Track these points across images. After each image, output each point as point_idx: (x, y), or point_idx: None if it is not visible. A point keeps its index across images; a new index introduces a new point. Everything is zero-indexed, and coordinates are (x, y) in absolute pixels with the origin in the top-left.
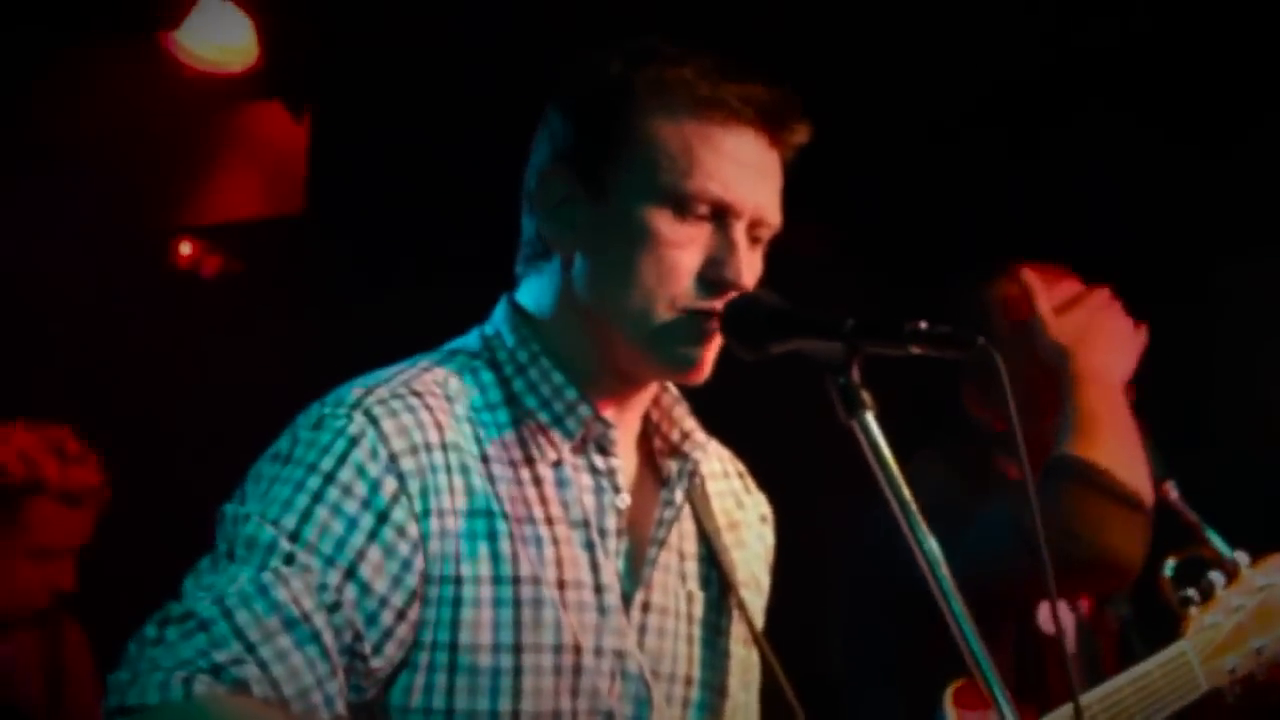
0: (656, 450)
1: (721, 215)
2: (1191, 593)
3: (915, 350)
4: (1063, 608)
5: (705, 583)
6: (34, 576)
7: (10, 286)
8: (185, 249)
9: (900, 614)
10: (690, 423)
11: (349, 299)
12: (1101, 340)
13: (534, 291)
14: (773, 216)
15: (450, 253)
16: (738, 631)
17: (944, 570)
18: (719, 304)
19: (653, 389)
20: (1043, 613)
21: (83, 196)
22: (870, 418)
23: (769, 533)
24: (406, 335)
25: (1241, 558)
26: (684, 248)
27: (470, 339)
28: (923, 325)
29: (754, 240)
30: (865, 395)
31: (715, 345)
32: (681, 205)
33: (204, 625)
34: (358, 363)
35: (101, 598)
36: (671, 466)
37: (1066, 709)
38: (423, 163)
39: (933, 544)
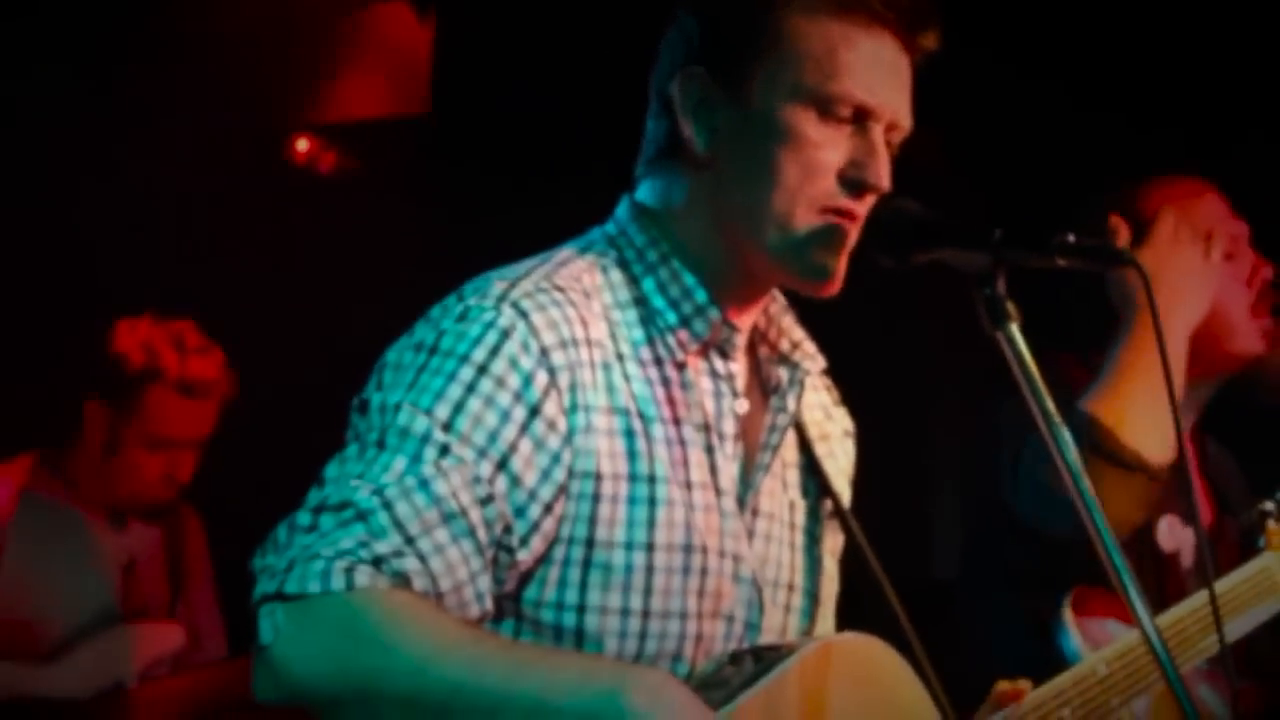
0: (763, 357)
1: (862, 118)
2: (1270, 505)
3: (1062, 263)
4: (1178, 523)
5: (804, 491)
6: (153, 466)
7: (134, 182)
8: (302, 145)
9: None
10: (799, 332)
11: (471, 199)
12: (1162, 285)
13: (660, 192)
14: (906, 120)
15: (573, 155)
16: (829, 543)
17: (1086, 481)
18: (859, 206)
19: (768, 296)
20: (1161, 529)
21: (207, 94)
22: (1015, 329)
23: (851, 447)
24: (527, 235)
25: None
26: (826, 148)
27: (594, 237)
28: (1071, 238)
29: (886, 144)
30: (1011, 306)
31: (846, 257)
32: (825, 107)
33: (362, 515)
34: (477, 263)
35: (216, 491)
36: (781, 374)
37: (1174, 610)
38: (547, 63)
39: (1075, 454)
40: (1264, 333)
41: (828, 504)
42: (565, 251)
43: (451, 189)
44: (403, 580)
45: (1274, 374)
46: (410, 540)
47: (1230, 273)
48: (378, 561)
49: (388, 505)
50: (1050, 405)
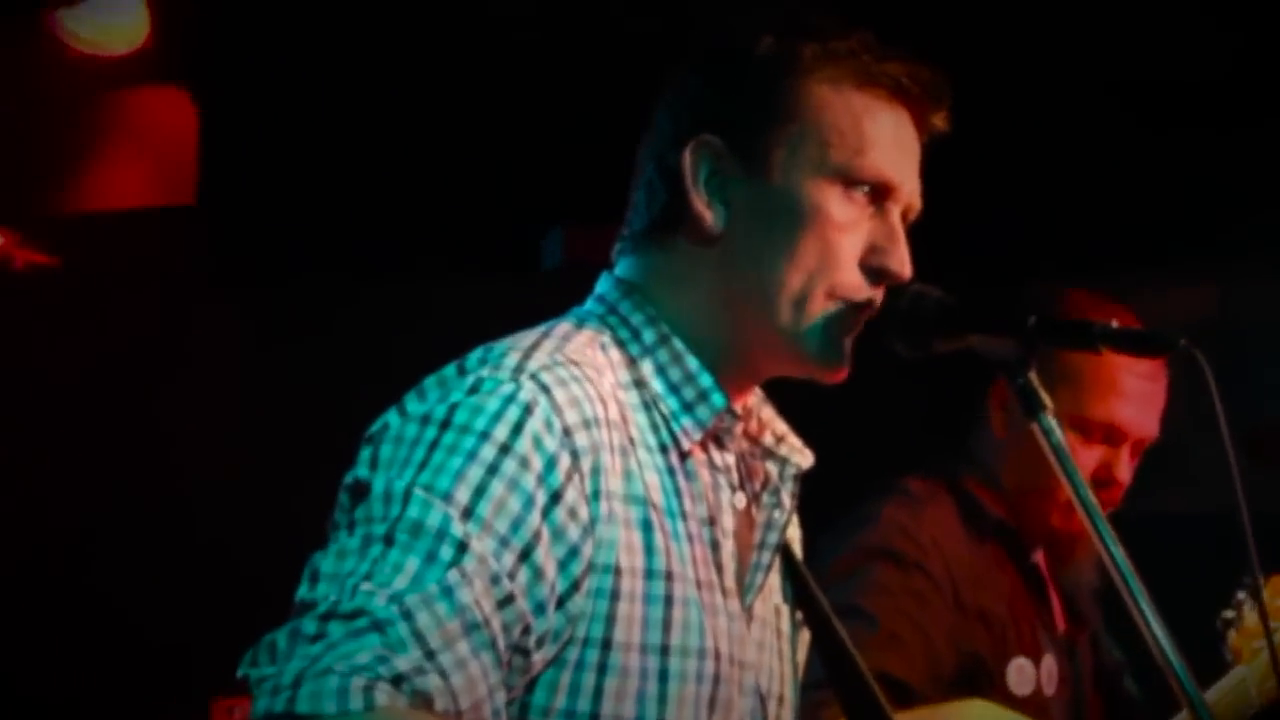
0: (741, 451)
1: (882, 198)
2: (1230, 614)
3: (1104, 350)
4: (1028, 664)
5: (784, 596)
6: None
7: None
8: None
9: None
10: (782, 425)
11: (238, 292)
12: None
13: (655, 268)
14: (919, 202)
15: (344, 246)
16: (801, 655)
17: (1136, 580)
18: (879, 294)
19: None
20: (1011, 676)
21: None
22: (1052, 419)
23: (799, 552)
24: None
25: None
26: (848, 231)
27: (582, 314)
28: (1115, 324)
29: None
30: (1044, 395)
31: (853, 341)
32: (851, 184)
33: (379, 626)
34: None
35: None
36: (770, 470)
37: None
38: (319, 148)
39: (1122, 552)
40: (1072, 523)
41: (798, 612)
42: (563, 325)
43: (215, 283)
44: (424, 700)
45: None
46: (431, 655)
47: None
48: (398, 680)
49: (408, 615)
50: (1090, 496)
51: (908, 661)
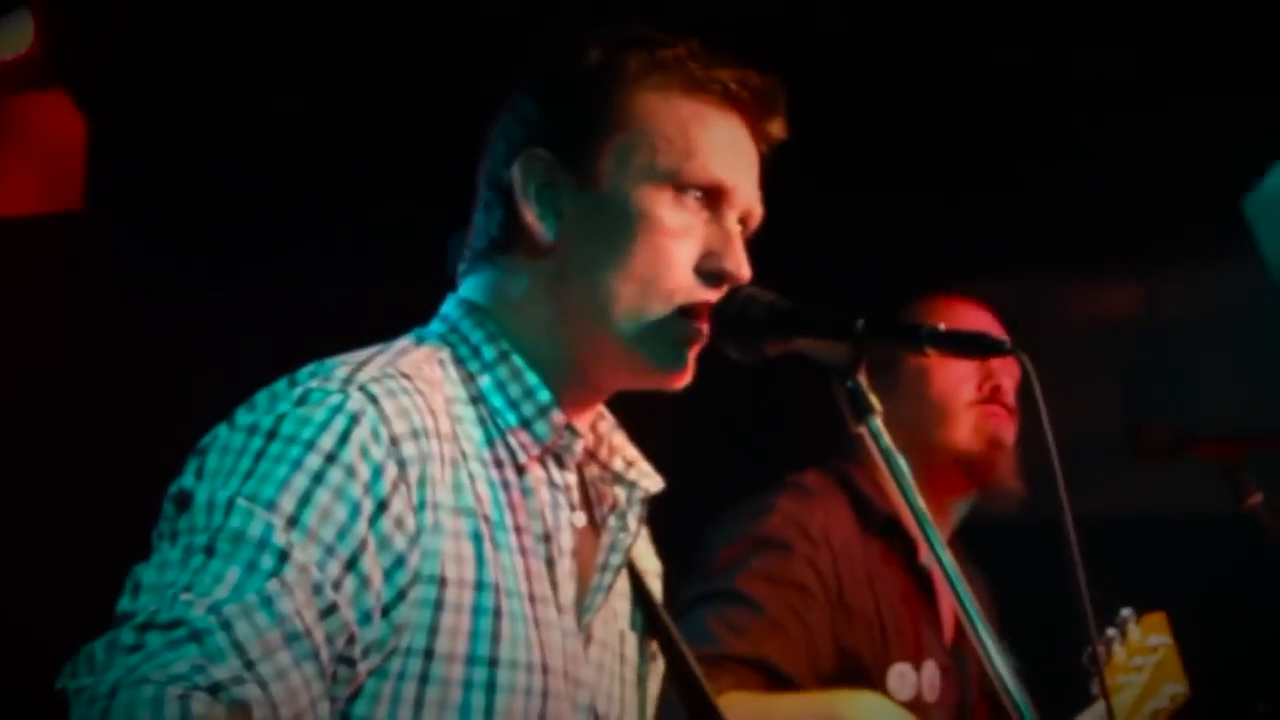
0: (592, 477)
1: (716, 202)
2: (1101, 649)
3: (930, 352)
4: (909, 669)
5: (632, 624)
6: None
7: None
8: None
9: None
10: (633, 451)
11: (127, 300)
12: None
13: (493, 286)
14: (759, 209)
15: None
16: (652, 686)
17: (967, 589)
18: (716, 297)
19: (599, 406)
20: (892, 681)
21: None
22: (879, 422)
23: (659, 588)
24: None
25: (1128, 614)
26: (681, 237)
27: (424, 333)
28: (942, 327)
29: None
30: (873, 399)
31: (698, 349)
32: (681, 189)
33: (197, 635)
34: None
35: None
36: (618, 494)
37: None
38: (209, 155)
39: (953, 561)
40: (984, 433)
41: (652, 643)
42: (402, 342)
43: (105, 291)
44: (241, 710)
45: (1003, 486)
46: (250, 664)
47: (960, 365)
48: (215, 689)
49: (226, 625)
50: (920, 503)
51: (790, 652)
